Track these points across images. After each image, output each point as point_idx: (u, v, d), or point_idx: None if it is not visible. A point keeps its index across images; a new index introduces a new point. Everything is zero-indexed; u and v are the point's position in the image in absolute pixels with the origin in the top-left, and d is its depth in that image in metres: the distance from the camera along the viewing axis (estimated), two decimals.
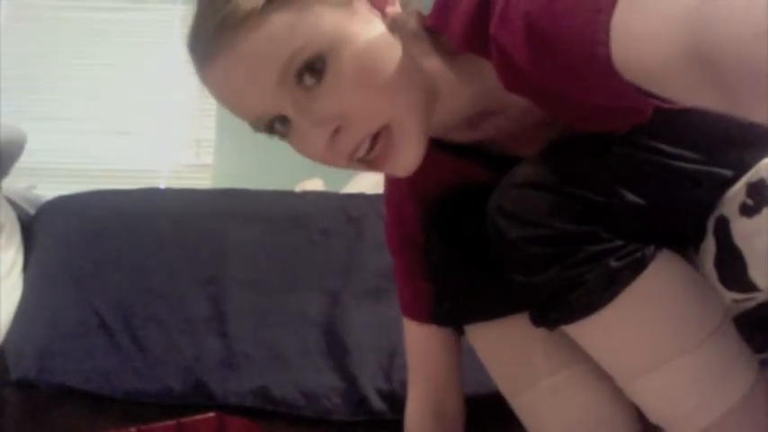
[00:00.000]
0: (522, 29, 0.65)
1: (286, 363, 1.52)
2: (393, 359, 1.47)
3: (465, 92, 0.80)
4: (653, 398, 0.78)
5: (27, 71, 3.50)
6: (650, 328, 0.75)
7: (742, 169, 0.76)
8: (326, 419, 1.48)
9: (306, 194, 1.98)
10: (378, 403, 1.46)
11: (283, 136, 0.75)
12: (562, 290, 0.74)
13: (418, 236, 0.98)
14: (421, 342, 1.04)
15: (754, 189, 0.73)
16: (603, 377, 0.82)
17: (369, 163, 0.75)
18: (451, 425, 1.05)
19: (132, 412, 1.48)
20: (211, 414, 1.20)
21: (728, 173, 0.76)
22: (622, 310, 0.74)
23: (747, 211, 0.73)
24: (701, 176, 0.76)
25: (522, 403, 0.91)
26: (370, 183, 2.36)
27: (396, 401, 1.43)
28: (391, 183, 1.03)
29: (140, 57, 3.58)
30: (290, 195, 1.88)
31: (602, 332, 0.77)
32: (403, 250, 1.03)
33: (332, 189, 2.36)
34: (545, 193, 0.73)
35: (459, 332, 0.99)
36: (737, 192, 0.75)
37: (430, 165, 0.80)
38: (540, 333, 0.83)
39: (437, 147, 0.88)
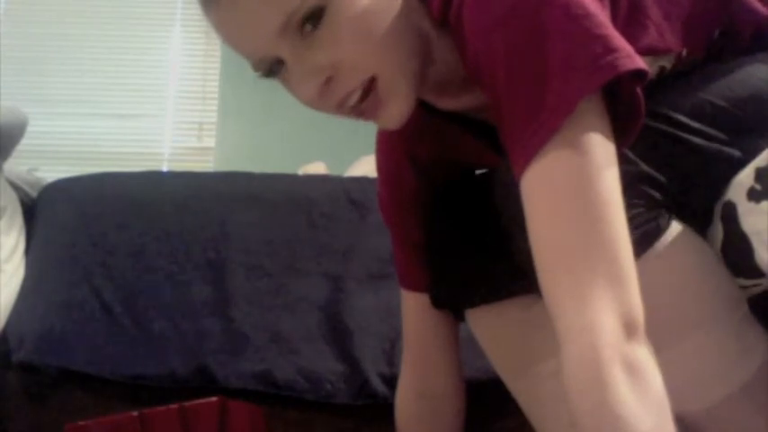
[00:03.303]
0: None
1: (288, 346, 1.52)
2: (395, 343, 1.47)
3: (455, 56, 0.80)
4: None
5: (28, 54, 3.49)
6: (660, 300, 0.74)
7: (752, 153, 0.75)
8: (328, 403, 1.48)
9: (308, 178, 1.97)
10: (380, 387, 1.46)
11: (279, 77, 0.77)
12: None
13: (412, 202, 0.99)
14: (412, 312, 1.04)
15: (763, 174, 0.72)
16: None
17: (357, 113, 0.77)
18: (440, 404, 1.04)
19: (134, 396, 1.48)
20: (214, 398, 1.20)
21: (741, 155, 0.76)
22: None
23: (755, 196, 0.73)
24: (716, 155, 0.76)
25: (522, 386, 0.91)
26: (372, 166, 2.35)
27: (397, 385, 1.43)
28: (384, 149, 1.04)
29: (143, 40, 3.57)
30: (291, 179, 1.87)
31: None
32: (397, 215, 1.04)
33: (334, 173, 2.36)
34: None
35: (459, 318, 0.99)
36: (746, 177, 0.74)
37: (423, 129, 0.81)
38: (541, 316, 0.82)
39: (431, 112, 0.90)
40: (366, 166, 2.43)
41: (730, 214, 0.76)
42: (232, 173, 1.85)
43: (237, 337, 1.53)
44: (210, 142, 3.47)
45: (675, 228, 0.75)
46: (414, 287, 1.02)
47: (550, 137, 0.63)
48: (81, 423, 1.19)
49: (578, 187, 0.64)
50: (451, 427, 1.05)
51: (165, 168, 3.41)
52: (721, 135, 0.76)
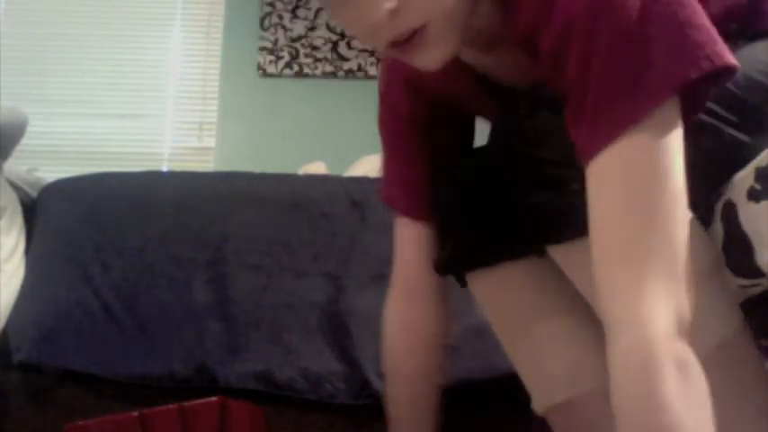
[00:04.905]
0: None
1: (288, 346, 1.52)
2: None
3: (498, 16, 0.80)
4: None
5: (28, 54, 3.49)
6: None
7: (760, 139, 0.76)
8: (328, 403, 1.48)
9: (308, 178, 1.97)
10: (380, 387, 1.46)
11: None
12: (560, 211, 0.75)
13: (405, 126, 1.01)
14: (401, 234, 1.05)
15: (763, 174, 0.72)
16: (592, 325, 0.83)
17: (401, 50, 0.76)
18: (425, 330, 1.05)
19: (135, 396, 1.48)
20: (214, 398, 1.20)
21: (749, 139, 0.77)
22: None
23: (755, 196, 0.73)
24: (724, 135, 0.77)
25: (519, 349, 0.93)
26: (373, 166, 2.35)
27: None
28: (386, 75, 1.05)
29: (143, 39, 3.57)
30: (292, 179, 1.87)
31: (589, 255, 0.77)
32: (391, 137, 1.05)
33: (334, 173, 2.36)
34: (563, 119, 0.73)
35: (462, 284, 1.00)
36: (746, 176, 0.74)
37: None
38: (541, 280, 0.86)
39: None
40: (366, 166, 2.43)
41: (730, 214, 0.76)
42: (232, 173, 1.85)
43: (237, 337, 1.53)
44: (210, 142, 3.47)
45: None
46: (403, 210, 1.04)
47: (642, 118, 0.63)
48: (81, 423, 1.20)
49: (655, 179, 0.64)
50: (435, 357, 1.06)
51: (165, 168, 3.41)
52: (729, 116, 0.77)
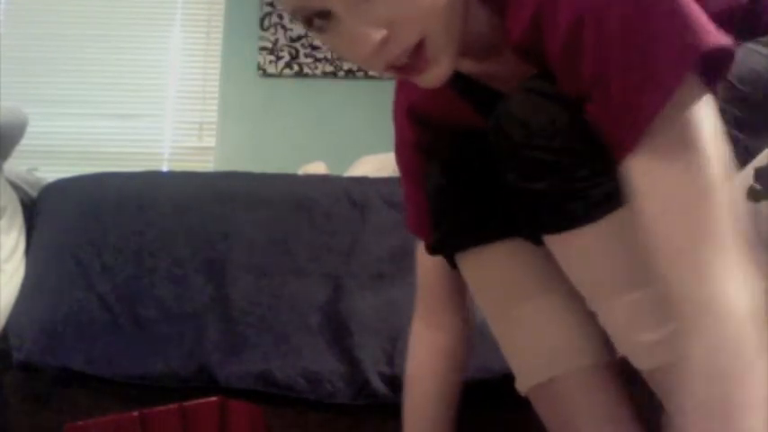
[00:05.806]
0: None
1: (288, 346, 1.52)
2: (396, 343, 1.47)
3: (490, 24, 0.81)
4: (621, 322, 0.78)
5: (28, 54, 3.50)
6: (635, 249, 0.75)
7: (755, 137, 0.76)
8: (328, 403, 1.48)
9: (308, 178, 1.97)
10: (380, 387, 1.46)
11: (320, 32, 0.75)
12: (562, 199, 0.75)
13: (413, 154, 1.03)
14: (419, 256, 1.08)
15: (762, 174, 0.72)
16: (577, 307, 0.85)
17: (403, 71, 0.77)
18: (448, 337, 1.07)
19: (135, 396, 1.49)
20: (214, 398, 1.21)
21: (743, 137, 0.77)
22: (615, 226, 0.75)
23: (755, 196, 0.73)
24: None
25: (502, 329, 0.94)
26: (373, 166, 2.35)
27: (398, 385, 1.42)
28: (395, 104, 1.07)
29: (143, 40, 3.58)
30: (292, 178, 1.87)
31: (589, 245, 0.77)
32: (404, 166, 1.07)
33: (334, 173, 2.36)
34: (559, 107, 0.74)
35: (452, 265, 1.01)
36: (745, 177, 0.74)
37: (429, 90, 0.83)
38: (524, 262, 0.88)
39: None
40: (366, 166, 2.43)
41: None
42: (232, 173, 1.86)
43: (237, 337, 1.53)
44: (210, 142, 3.47)
45: None
46: (415, 230, 1.07)
47: (668, 100, 0.65)
48: (81, 423, 1.20)
49: (698, 156, 0.65)
50: (458, 379, 1.08)
51: (165, 168, 3.42)
52: (732, 110, 0.77)
